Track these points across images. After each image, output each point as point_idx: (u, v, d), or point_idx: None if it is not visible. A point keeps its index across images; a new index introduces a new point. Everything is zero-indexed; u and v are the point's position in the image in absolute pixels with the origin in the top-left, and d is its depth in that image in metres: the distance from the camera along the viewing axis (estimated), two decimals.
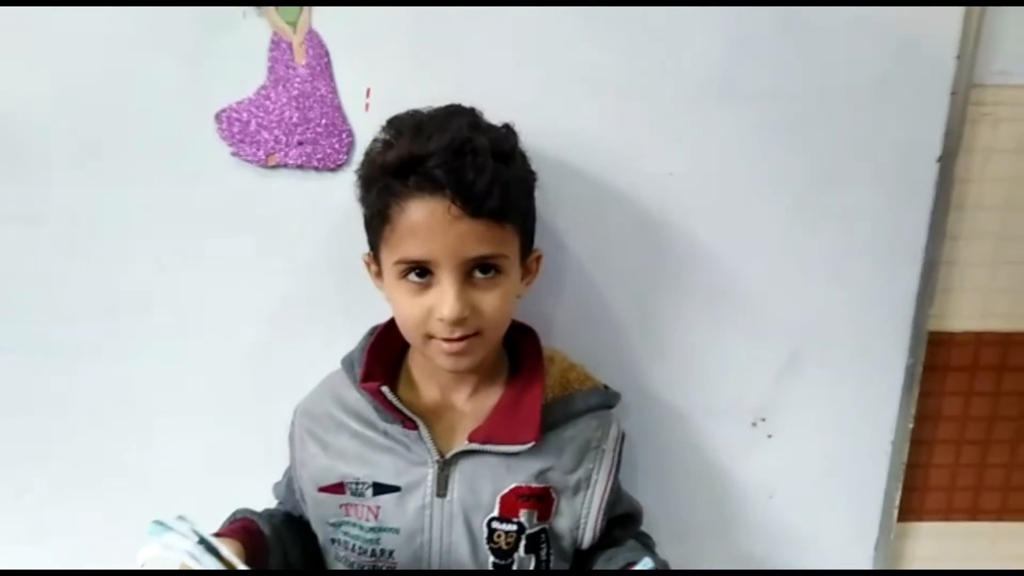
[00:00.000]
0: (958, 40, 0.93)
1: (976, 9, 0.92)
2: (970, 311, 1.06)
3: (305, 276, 0.97)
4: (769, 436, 1.06)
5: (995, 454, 1.12)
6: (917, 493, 1.12)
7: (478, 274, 0.76)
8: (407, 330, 0.79)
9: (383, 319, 0.88)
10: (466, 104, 0.82)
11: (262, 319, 0.99)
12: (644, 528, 0.94)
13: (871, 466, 1.08)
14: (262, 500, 0.90)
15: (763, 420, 1.05)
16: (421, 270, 0.75)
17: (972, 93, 0.96)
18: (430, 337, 0.77)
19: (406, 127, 0.78)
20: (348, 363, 0.86)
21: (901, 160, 0.97)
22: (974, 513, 1.14)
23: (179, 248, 0.96)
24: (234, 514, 0.84)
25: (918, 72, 0.94)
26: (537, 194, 0.85)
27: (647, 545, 0.91)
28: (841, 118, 0.95)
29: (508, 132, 0.81)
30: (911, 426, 1.07)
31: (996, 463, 1.12)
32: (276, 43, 0.90)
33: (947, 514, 1.14)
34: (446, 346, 0.76)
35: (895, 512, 1.10)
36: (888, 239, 1.00)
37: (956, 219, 1.01)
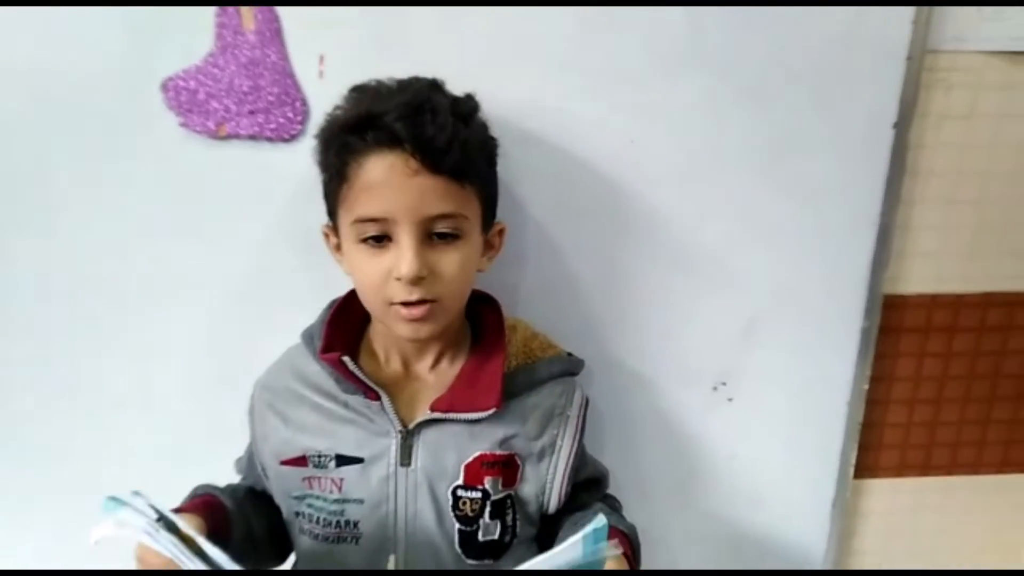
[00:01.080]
0: (913, 6, 0.93)
1: None
2: (924, 274, 1.09)
3: (262, 250, 0.95)
4: (729, 399, 1.08)
5: (946, 412, 1.16)
6: (872, 451, 1.16)
7: (437, 236, 0.75)
8: (366, 296, 0.79)
9: (343, 292, 0.87)
10: (425, 72, 0.81)
11: (218, 294, 0.97)
12: (610, 491, 0.96)
13: (828, 426, 1.11)
14: (225, 478, 0.89)
15: (724, 384, 1.07)
16: (379, 235, 0.74)
17: (927, 59, 0.97)
18: (390, 304, 0.76)
19: (367, 91, 0.78)
20: (308, 336, 0.85)
21: (857, 126, 0.98)
22: (926, 469, 1.18)
23: (129, 224, 0.94)
24: (195, 490, 0.83)
25: (874, 38, 0.95)
26: (499, 165, 0.85)
27: (614, 508, 0.92)
28: (798, 85, 0.96)
29: (468, 98, 0.80)
30: (866, 387, 1.09)
31: (947, 421, 1.16)
32: (223, 9, 0.87)
33: (900, 471, 1.18)
34: (404, 311, 0.75)
35: (851, 470, 1.13)
36: (844, 204, 1.01)
37: (910, 184, 1.03)
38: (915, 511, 1.20)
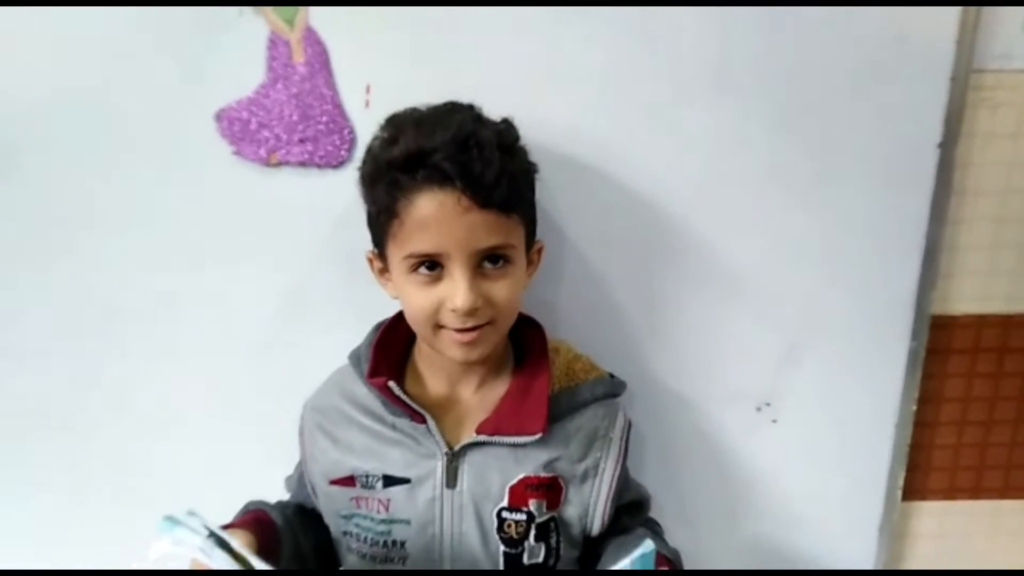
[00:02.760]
0: (957, 25, 0.93)
1: None
2: (971, 294, 1.07)
3: (310, 273, 0.98)
4: (774, 421, 1.07)
5: (997, 434, 1.13)
6: (920, 473, 1.13)
7: (487, 265, 0.77)
8: (418, 322, 0.80)
9: (389, 314, 0.89)
10: (466, 99, 0.82)
11: (268, 317, 0.99)
12: (652, 514, 0.96)
13: (875, 448, 1.09)
14: (273, 496, 0.91)
15: (768, 405, 1.06)
16: (431, 263, 0.76)
17: (971, 78, 0.96)
18: (441, 327, 0.78)
19: (407, 123, 0.78)
20: (355, 358, 0.87)
21: (902, 146, 0.97)
22: (977, 492, 1.15)
23: (183, 249, 0.97)
24: (246, 506, 0.85)
25: (917, 58, 0.94)
26: (539, 189, 0.86)
27: (656, 532, 0.92)
28: (841, 105, 0.95)
29: (509, 126, 0.81)
30: (914, 408, 1.08)
31: (998, 442, 1.13)
32: (274, 42, 0.90)
33: (950, 493, 1.15)
34: (458, 336, 0.77)
35: (899, 492, 1.11)
36: (890, 224, 1.00)
37: (957, 204, 1.02)
38: (965, 534, 1.17)
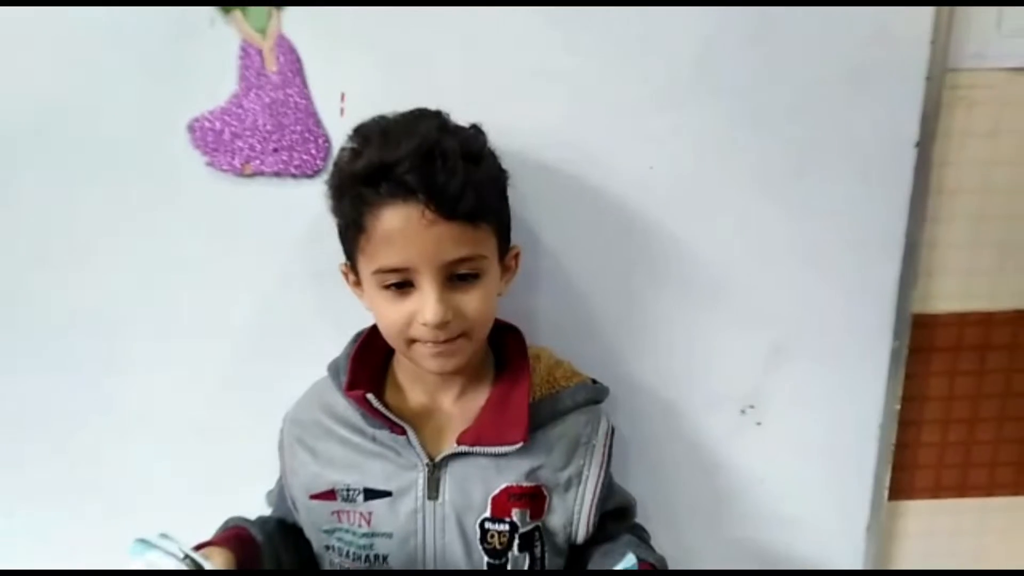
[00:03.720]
0: (932, 25, 0.93)
1: None
2: (952, 292, 1.07)
3: (287, 283, 0.97)
4: (758, 423, 1.07)
5: (981, 431, 1.13)
6: (906, 472, 1.13)
7: (457, 277, 0.76)
8: (391, 336, 0.79)
9: (366, 324, 0.87)
10: (441, 106, 0.81)
11: (246, 328, 0.98)
12: (638, 519, 0.95)
13: (860, 448, 1.09)
14: (251, 510, 0.90)
15: (752, 407, 1.06)
16: (400, 278, 0.75)
17: (947, 77, 0.96)
18: (414, 341, 0.77)
19: (373, 134, 0.77)
20: (334, 370, 0.86)
21: (879, 146, 0.97)
22: (962, 490, 1.16)
23: (157, 260, 0.95)
24: (227, 522, 0.84)
25: (893, 58, 0.94)
26: (514, 194, 0.85)
27: (642, 538, 0.91)
28: (818, 107, 0.95)
29: (476, 132, 0.80)
30: (898, 407, 1.08)
31: (982, 440, 1.14)
32: (246, 50, 0.89)
33: (936, 492, 1.15)
34: (432, 348, 0.76)
35: (885, 492, 1.11)
36: (869, 224, 1.00)
37: (935, 202, 1.02)
38: (952, 533, 1.17)
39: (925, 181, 0.99)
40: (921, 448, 1.13)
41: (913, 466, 1.14)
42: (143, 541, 0.66)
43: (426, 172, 0.71)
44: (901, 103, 0.96)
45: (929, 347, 1.09)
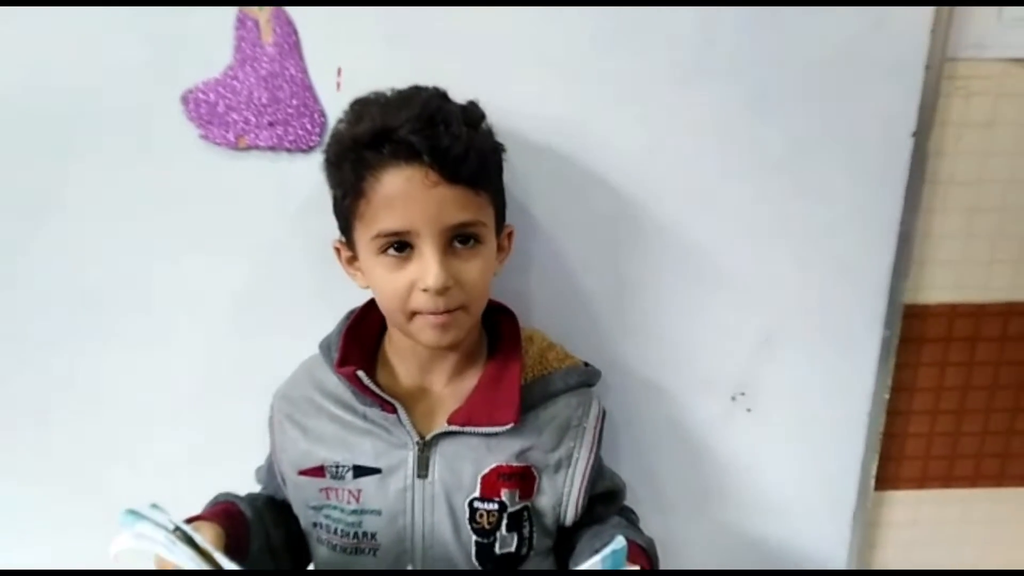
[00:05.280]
0: (932, 14, 0.93)
1: None
2: (944, 283, 1.08)
3: (280, 259, 0.96)
4: (748, 410, 1.07)
5: (968, 423, 1.14)
6: (893, 462, 1.14)
7: (458, 244, 0.76)
8: (390, 308, 0.78)
9: (360, 302, 0.87)
10: (438, 83, 0.81)
11: (238, 304, 0.98)
12: (627, 502, 0.95)
13: (848, 437, 1.09)
14: (242, 486, 0.89)
15: (742, 394, 1.06)
16: (400, 243, 0.74)
17: (946, 67, 0.96)
18: (414, 313, 0.76)
19: (372, 104, 0.77)
20: (325, 347, 0.86)
21: (876, 135, 0.97)
22: (948, 481, 1.16)
23: (149, 234, 0.94)
24: (216, 497, 0.84)
25: (892, 46, 0.94)
26: (509, 174, 0.85)
27: (631, 521, 0.92)
28: (816, 94, 0.95)
29: (474, 105, 0.80)
30: (887, 397, 1.08)
31: (969, 432, 1.15)
32: (242, 21, 0.88)
33: (922, 482, 1.16)
34: (431, 319, 0.76)
35: (872, 481, 1.12)
36: (863, 213, 1.00)
37: (930, 193, 1.02)
38: (937, 523, 1.18)
39: (921, 171, 0.99)
40: (909, 438, 1.14)
41: (900, 456, 1.15)
42: (133, 512, 0.66)
43: (430, 135, 0.71)
44: (899, 92, 0.96)
45: (920, 337, 1.09)
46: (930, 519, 1.18)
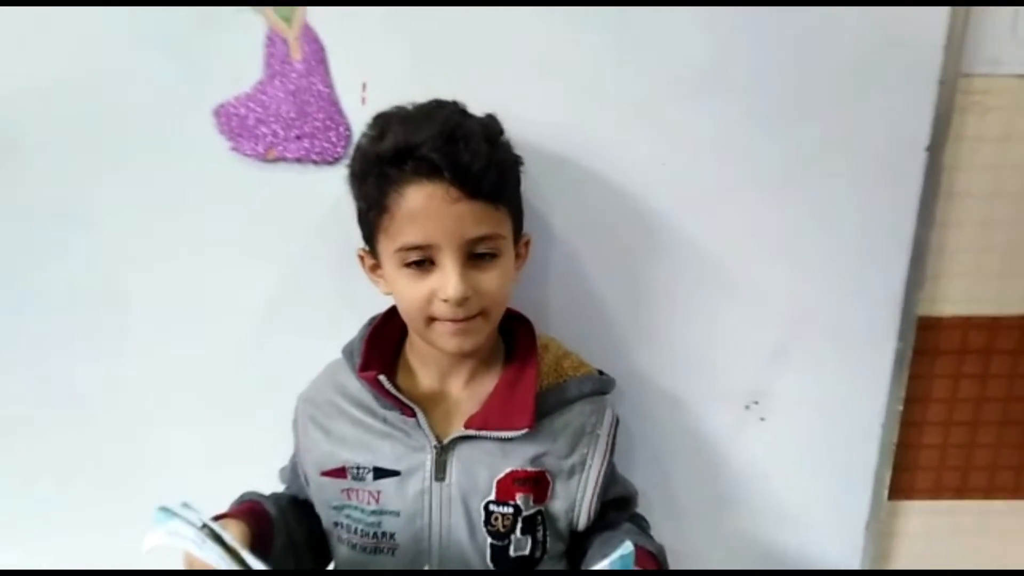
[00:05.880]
0: (946, 29, 0.94)
1: None
2: (958, 296, 1.08)
3: (305, 267, 0.99)
4: (762, 419, 1.08)
5: (983, 435, 1.14)
6: (907, 473, 1.15)
7: (477, 256, 0.78)
8: (411, 315, 0.81)
9: (381, 308, 0.90)
10: (459, 98, 0.84)
11: (263, 310, 1.01)
12: (640, 510, 0.97)
13: (862, 447, 1.10)
14: (266, 486, 0.93)
15: (756, 403, 1.08)
16: (422, 255, 0.77)
17: (960, 82, 0.97)
18: (433, 320, 0.79)
19: (394, 120, 0.80)
20: (348, 352, 0.89)
21: (890, 148, 0.98)
22: (962, 492, 1.17)
23: (180, 242, 0.98)
24: (241, 496, 0.87)
25: (906, 61, 0.95)
26: (527, 185, 0.87)
27: (642, 528, 0.93)
28: (831, 107, 0.96)
29: (493, 120, 0.83)
30: (900, 408, 1.09)
31: (983, 443, 1.15)
32: (272, 39, 0.91)
33: (936, 493, 1.17)
34: (451, 326, 0.79)
35: (885, 491, 1.12)
36: (878, 226, 1.01)
37: (945, 206, 1.03)
38: (951, 534, 1.18)
39: (935, 185, 1.00)
40: (923, 449, 1.15)
41: (914, 467, 1.15)
42: (166, 510, 0.69)
43: (450, 152, 0.74)
44: (913, 106, 0.97)
45: (934, 350, 1.10)
46: (944, 530, 1.18)
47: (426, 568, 0.83)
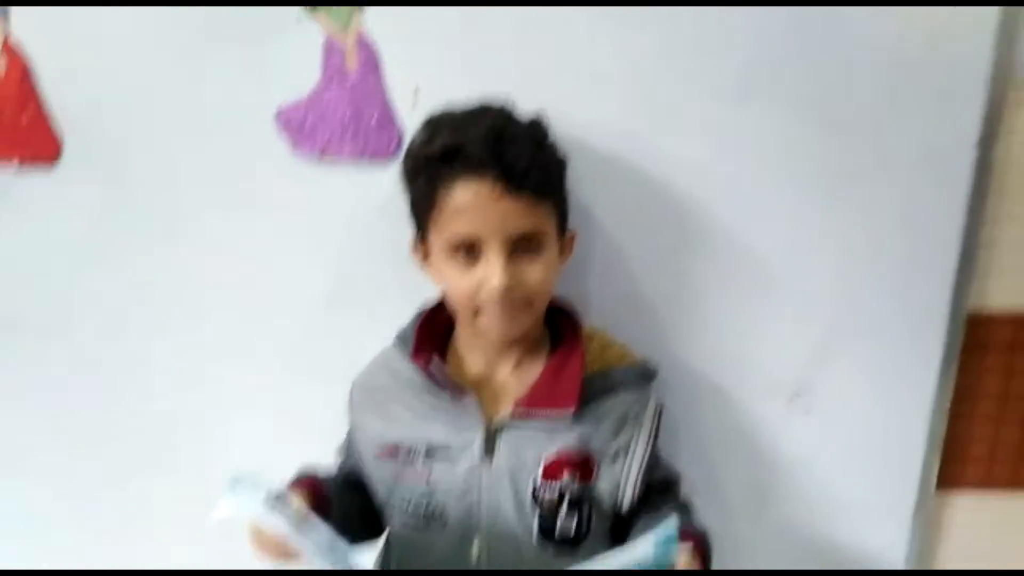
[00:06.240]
0: (997, 23, 0.93)
1: None
2: (1008, 292, 1.07)
3: (359, 260, 1.04)
4: (807, 411, 1.08)
5: None
6: (956, 464, 1.13)
7: (521, 249, 0.82)
8: (458, 304, 0.85)
9: (430, 297, 0.94)
10: (509, 97, 0.88)
11: (320, 298, 1.06)
12: (685, 498, 0.98)
13: (909, 439, 1.10)
14: (323, 463, 0.96)
15: (800, 396, 1.08)
16: (469, 247, 0.81)
17: (1011, 79, 0.96)
18: (479, 309, 0.83)
19: (443, 122, 0.85)
20: (401, 338, 0.93)
21: (940, 144, 0.98)
22: (1014, 484, 1.14)
23: (243, 235, 1.04)
24: (298, 473, 0.91)
25: (957, 56, 0.95)
26: (573, 181, 0.90)
27: (687, 512, 0.95)
28: (880, 102, 0.97)
29: (539, 120, 0.87)
30: (949, 403, 1.08)
31: None
32: (329, 48, 0.97)
33: (986, 485, 1.15)
34: (496, 315, 0.82)
35: (933, 482, 1.11)
36: (927, 221, 1.01)
37: (994, 202, 1.02)
38: (1000, 526, 1.16)
39: (984, 180, 1.00)
40: (973, 442, 1.13)
41: (964, 458, 1.14)
42: (234, 481, 0.73)
43: (497, 150, 0.78)
44: (963, 102, 0.97)
45: (983, 346, 1.09)
46: (992, 522, 1.16)
47: (475, 544, 0.86)
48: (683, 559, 0.73)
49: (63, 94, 0.99)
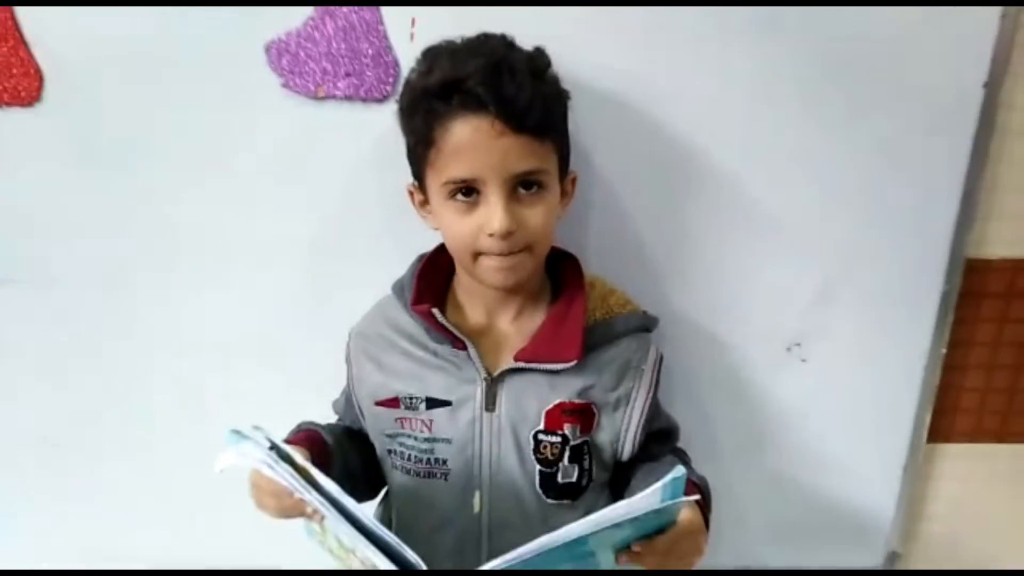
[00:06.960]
0: None
1: None
2: (1008, 238, 1.07)
3: (354, 203, 1.01)
4: (803, 360, 1.09)
5: None
6: (947, 416, 1.15)
7: (522, 190, 0.79)
8: (457, 250, 0.83)
9: (431, 246, 0.91)
10: (508, 32, 0.83)
11: (314, 245, 1.03)
12: (680, 446, 0.98)
13: (902, 390, 1.11)
14: (319, 417, 0.95)
15: (798, 345, 1.08)
16: (468, 189, 0.78)
17: (1022, 17, 0.94)
18: (479, 255, 0.81)
19: (442, 54, 0.80)
20: (399, 288, 0.90)
21: (946, 85, 0.96)
22: (1002, 436, 1.17)
23: (231, 177, 1.00)
24: (299, 425, 0.90)
25: None
26: (573, 121, 0.87)
27: (683, 460, 0.95)
28: (886, 43, 0.95)
29: (540, 52, 0.83)
30: (944, 351, 1.09)
31: None
32: None
33: (975, 436, 1.17)
34: (497, 260, 0.80)
35: (924, 433, 1.13)
36: (929, 164, 1.00)
37: (998, 145, 1.01)
38: (988, 478, 1.19)
39: (990, 123, 0.99)
40: (964, 392, 1.15)
41: (954, 410, 1.16)
42: (236, 432, 0.72)
43: (496, 85, 0.74)
44: (972, 42, 0.95)
45: (980, 292, 1.09)
46: (981, 473, 1.19)
47: (476, 494, 0.86)
48: (687, 514, 0.73)
49: (44, 28, 0.93)
